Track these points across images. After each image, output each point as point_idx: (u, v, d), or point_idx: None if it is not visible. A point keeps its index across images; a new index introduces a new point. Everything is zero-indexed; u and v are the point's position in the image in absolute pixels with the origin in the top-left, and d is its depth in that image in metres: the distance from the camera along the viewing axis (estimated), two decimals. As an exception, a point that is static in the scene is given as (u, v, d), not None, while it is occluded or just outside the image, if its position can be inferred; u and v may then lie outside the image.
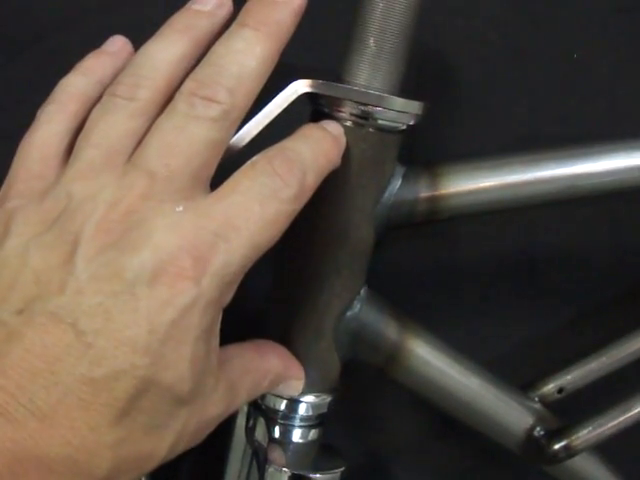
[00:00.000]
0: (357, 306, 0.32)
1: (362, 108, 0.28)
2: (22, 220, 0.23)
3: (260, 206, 0.23)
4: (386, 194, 0.30)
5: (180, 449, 0.24)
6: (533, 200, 0.32)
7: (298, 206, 0.25)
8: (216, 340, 0.24)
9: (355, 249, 0.30)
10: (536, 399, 0.38)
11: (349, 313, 0.31)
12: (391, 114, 0.28)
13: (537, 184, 0.32)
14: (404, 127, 0.29)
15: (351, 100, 0.28)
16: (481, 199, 0.32)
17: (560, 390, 0.39)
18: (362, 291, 0.32)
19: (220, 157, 0.25)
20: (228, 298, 0.24)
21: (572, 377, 0.39)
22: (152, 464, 0.23)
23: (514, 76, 0.41)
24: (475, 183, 0.32)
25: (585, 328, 0.45)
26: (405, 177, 0.31)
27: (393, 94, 0.29)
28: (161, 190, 0.23)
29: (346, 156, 0.29)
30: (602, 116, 0.42)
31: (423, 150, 0.40)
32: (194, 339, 0.22)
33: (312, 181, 0.25)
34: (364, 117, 0.28)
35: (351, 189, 0.29)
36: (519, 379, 0.39)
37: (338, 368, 0.32)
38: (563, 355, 0.40)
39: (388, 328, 0.32)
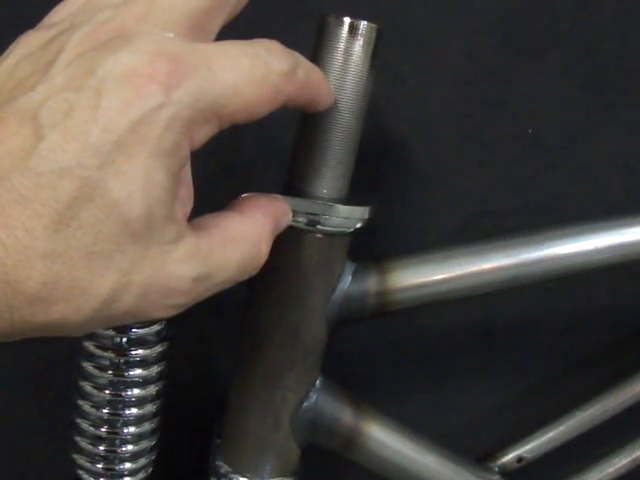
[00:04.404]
0: (313, 397, 0.33)
1: (309, 217, 0.30)
2: (23, 43, 0.24)
3: (250, 62, 0.23)
4: (336, 291, 0.32)
5: (121, 309, 0.21)
6: (480, 289, 0.34)
7: (286, 87, 0.24)
8: (184, 189, 0.23)
9: (308, 346, 0.32)
10: (496, 469, 0.40)
11: (305, 404, 0.33)
12: (337, 221, 0.30)
13: (483, 275, 0.34)
14: (352, 230, 0.31)
15: (297, 211, 0.29)
16: (429, 292, 0.33)
17: (520, 459, 0.41)
18: (317, 382, 0.33)
19: (223, 14, 0.24)
20: (198, 138, 0.22)
21: (531, 446, 0.41)
22: (86, 306, 0.21)
23: (470, 156, 0.42)
24: (422, 277, 0.33)
25: (543, 397, 0.46)
26: (355, 274, 0.33)
27: (340, 200, 0.30)
28: (157, 16, 0.22)
29: (296, 259, 0.31)
30: (558, 189, 0.44)
31: (388, 231, 0.42)
32: (150, 153, 0.20)
33: (302, 77, 0.25)
34: (311, 224, 0.30)
35: (301, 291, 0.31)
36: (480, 448, 0.41)
37: (297, 454, 0.34)
38: (522, 424, 0.42)
39: (344, 414, 0.34)
